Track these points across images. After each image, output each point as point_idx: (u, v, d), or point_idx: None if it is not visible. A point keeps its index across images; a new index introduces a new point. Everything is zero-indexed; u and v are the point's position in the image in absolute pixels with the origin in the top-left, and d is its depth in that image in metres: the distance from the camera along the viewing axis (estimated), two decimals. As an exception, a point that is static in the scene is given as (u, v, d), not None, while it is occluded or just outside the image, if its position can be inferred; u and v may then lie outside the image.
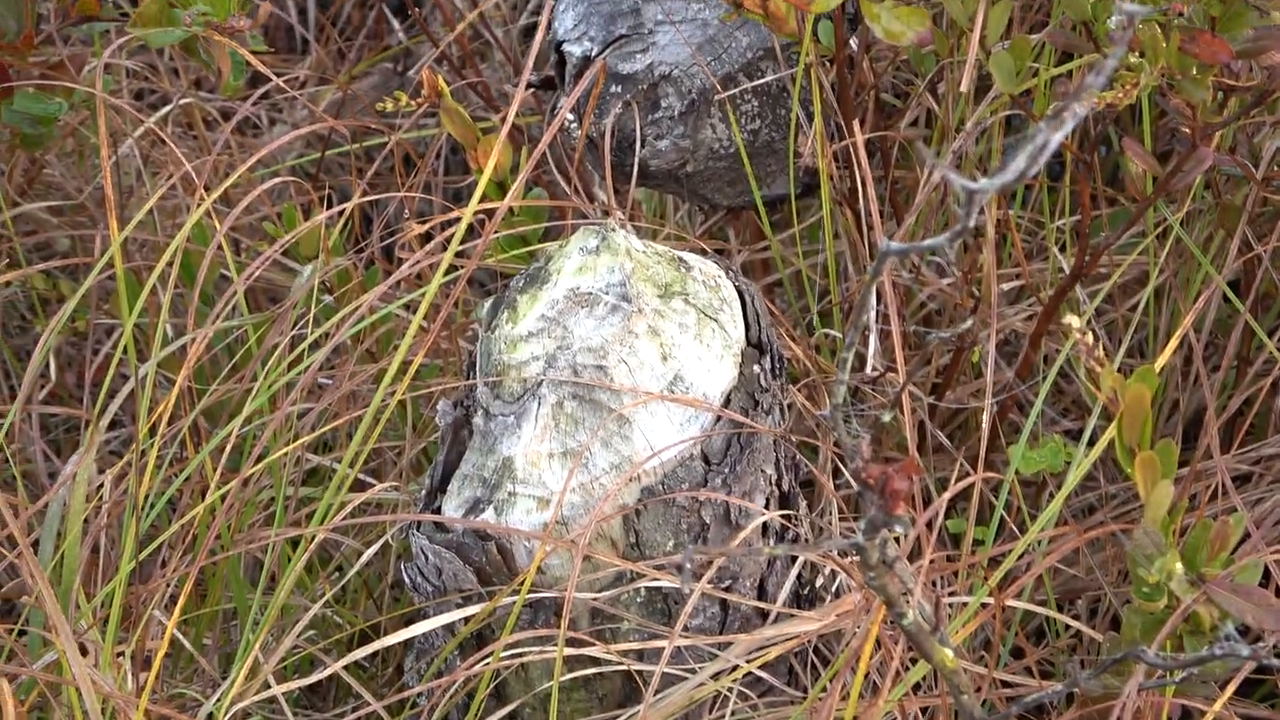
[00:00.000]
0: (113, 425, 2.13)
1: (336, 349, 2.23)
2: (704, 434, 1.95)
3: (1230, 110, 2.10)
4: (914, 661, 1.92)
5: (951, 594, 2.06)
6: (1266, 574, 2.05)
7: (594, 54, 2.45)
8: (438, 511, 1.98)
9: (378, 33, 2.90)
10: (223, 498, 2.07)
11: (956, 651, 1.90)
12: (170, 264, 2.15)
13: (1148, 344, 2.33)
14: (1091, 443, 1.99)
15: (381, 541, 2.13)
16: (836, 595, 2.00)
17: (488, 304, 2.05)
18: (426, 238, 2.28)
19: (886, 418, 2.06)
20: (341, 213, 2.38)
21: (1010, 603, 2.07)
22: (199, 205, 2.21)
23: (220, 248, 2.23)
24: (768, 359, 2.04)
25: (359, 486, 2.14)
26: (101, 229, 2.32)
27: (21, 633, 2.00)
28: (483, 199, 2.13)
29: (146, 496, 2.08)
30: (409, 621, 2.03)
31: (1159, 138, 2.24)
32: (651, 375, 1.95)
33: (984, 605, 2.04)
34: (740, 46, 2.44)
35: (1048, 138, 1.91)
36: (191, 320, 2.18)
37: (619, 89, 2.43)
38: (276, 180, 2.39)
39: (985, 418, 2.23)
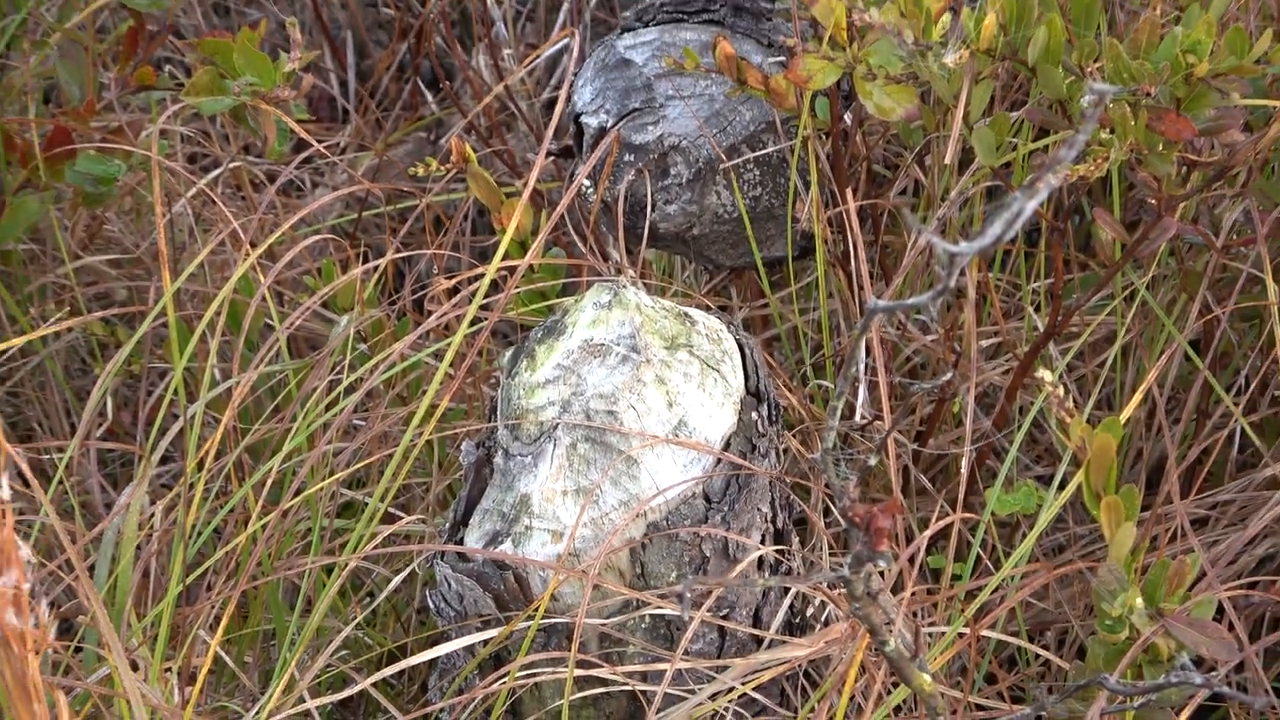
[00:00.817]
0: (164, 460, 2.14)
1: (370, 393, 2.24)
2: (705, 475, 1.96)
3: (1193, 183, 2.11)
4: (895, 685, 1.93)
5: (930, 624, 2.07)
6: (1220, 609, 2.06)
7: (609, 125, 2.46)
8: (460, 543, 1.99)
9: (412, 104, 2.91)
10: (263, 528, 2.08)
11: (934, 677, 1.91)
12: (218, 313, 2.16)
13: (1115, 397, 2.34)
14: (1062, 487, 2.00)
15: (409, 570, 2.14)
16: (825, 624, 2.01)
17: (509, 353, 2.06)
18: (453, 291, 2.29)
19: (873, 462, 2.07)
20: (376, 268, 2.39)
21: (985, 633, 2.08)
22: (245, 260, 2.22)
23: (264, 299, 2.24)
24: (765, 407, 2.05)
25: (389, 519, 2.15)
26: (155, 281, 2.33)
27: (78, 649, 2.01)
28: (505, 257, 2.14)
29: (194, 526, 2.08)
30: (433, 643, 2.03)
31: (1127, 208, 2.25)
32: (658, 420, 1.96)
33: (960, 635, 2.04)
34: (744, 120, 2.45)
35: (1023, 206, 1.92)
36: (236, 365, 2.19)
37: (632, 158, 2.44)
38: (317, 238, 2.41)
39: (964, 463, 2.23)
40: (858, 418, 2.19)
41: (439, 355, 2.16)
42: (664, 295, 2.12)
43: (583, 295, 2.08)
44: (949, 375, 2.27)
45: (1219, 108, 1.98)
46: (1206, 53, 1.92)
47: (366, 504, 2.12)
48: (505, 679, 1.95)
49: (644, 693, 1.97)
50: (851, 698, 1.93)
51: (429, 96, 2.91)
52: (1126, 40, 1.96)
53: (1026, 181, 2.00)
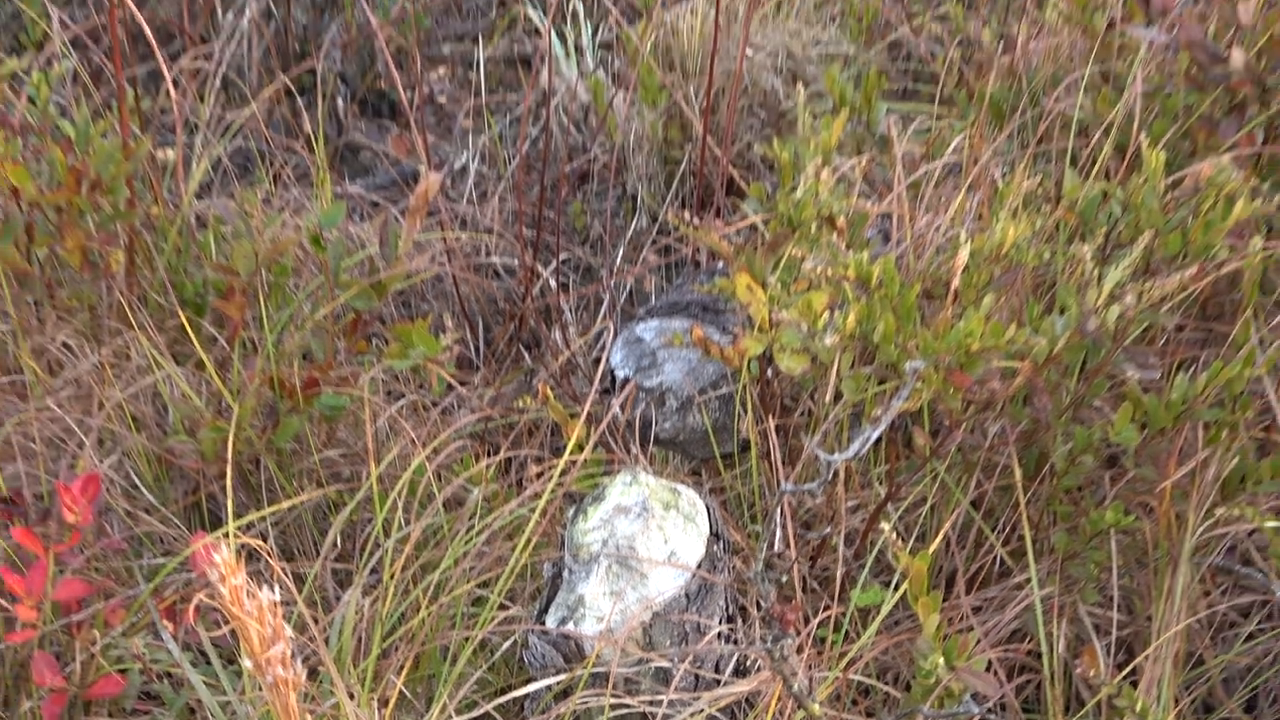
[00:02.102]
0: (371, 572, 2.16)
1: (492, 533, 2.26)
2: (687, 583, 1.98)
3: (970, 411, 2.14)
4: (798, 710, 1.94)
5: (818, 672, 2.08)
6: (989, 664, 2.08)
7: (630, 376, 2.49)
8: (543, 623, 2.01)
9: (517, 359, 2.95)
10: (430, 613, 2.11)
11: (821, 704, 1.93)
12: (404, 487, 2.20)
13: (927, 535, 2.36)
14: (896, 589, 2.02)
15: (514, 639, 2.16)
16: (758, 671, 2.02)
17: (571, 511, 2.08)
18: (540, 473, 2.32)
19: (783, 578, 2.11)
20: (496, 461, 2.42)
21: (851, 676, 2.10)
22: (420, 455, 2.26)
23: (431, 477, 2.28)
24: (721, 542, 2.07)
25: (503, 607, 2.16)
26: (366, 467, 2.36)
27: (319, 686, 2.02)
28: (571, 453, 2.18)
29: (388, 612, 2.11)
30: (527, 682, 2.05)
31: (933, 423, 2.28)
32: (659, 551, 1.98)
33: (836, 679, 2.06)
34: (709, 372, 2.47)
35: (872, 431, 1.97)
36: (414, 515, 2.22)
37: (643, 395, 2.47)
38: (460, 441, 2.44)
39: (839, 574, 2.26)
40: (776, 549, 2.21)
41: (533, 510, 2.18)
42: (663, 476, 2.15)
43: (615, 478, 2.11)
44: (828, 529, 2.29)
45: (985, 369, 2.01)
46: (977, 337, 1.95)
47: (489, 597, 2.14)
48: (571, 704, 1.97)
49: (652, 713, 1.98)
50: (773, 717, 1.95)
51: (527, 355, 2.94)
52: (931, 329, 1.99)
53: (875, 414, 2.05)
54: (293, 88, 3.44)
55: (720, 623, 2.05)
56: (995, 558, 2.33)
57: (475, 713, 1.98)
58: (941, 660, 1.90)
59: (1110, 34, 2.66)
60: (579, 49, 3.49)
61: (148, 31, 2.60)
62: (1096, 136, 2.52)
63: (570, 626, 1.99)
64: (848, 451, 1.97)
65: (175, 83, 2.95)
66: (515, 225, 3.17)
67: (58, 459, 2.39)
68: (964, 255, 2.06)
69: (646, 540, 2.00)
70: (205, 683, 2.00)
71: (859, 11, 3.43)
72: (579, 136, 3.42)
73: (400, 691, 2.02)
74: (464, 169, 3.42)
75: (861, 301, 2.04)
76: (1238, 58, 2.45)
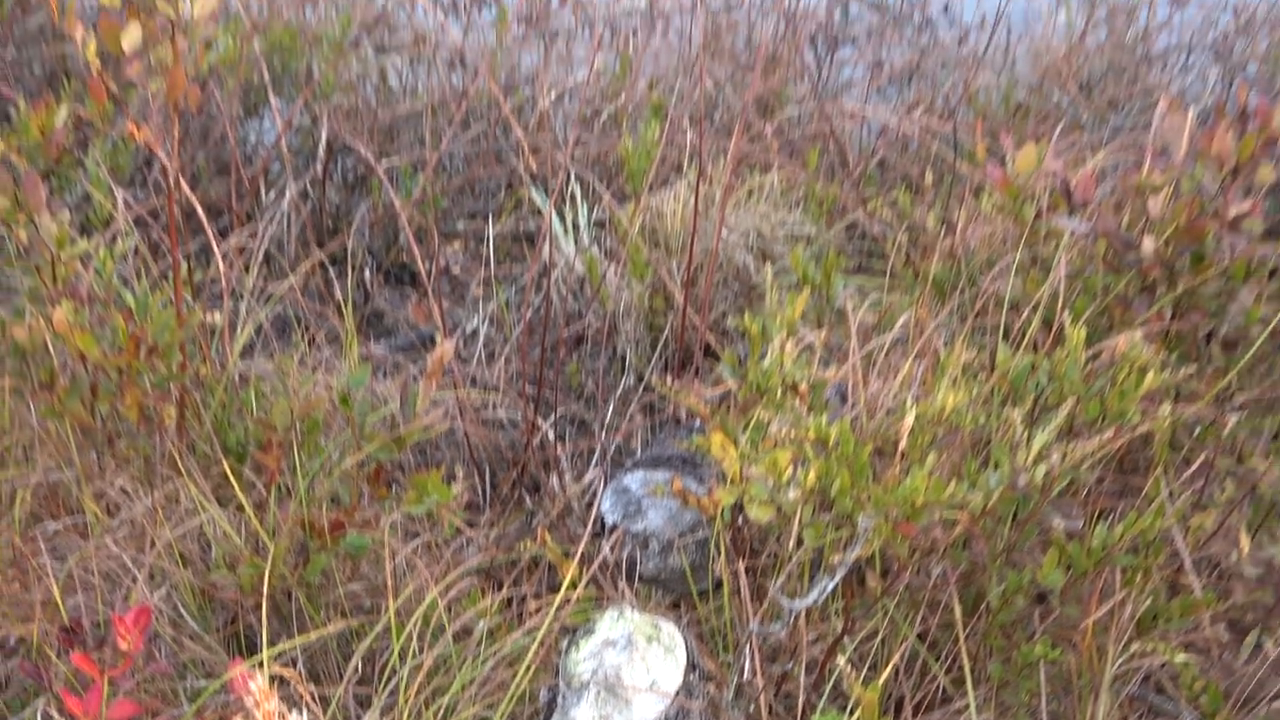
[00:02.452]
0: (389, 695, 2.16)
1: (497, 661, 2.27)
2: (667, 708, 2.00)
3: (917, 555, 2.16)
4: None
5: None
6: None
7: (619, 522, 2.52)
8: (540, 743, 2.03)
9: (519, 503, 2.95)
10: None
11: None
12: (419, 619, 2.22)
13: (879, 665, 2.36)
14: (852, 713, 2.02)
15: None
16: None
17: (565, 642, 2.10)
18: (539, 609, 2.33)
19: (751, 706, 2.12)
20: (500, 596, 2.43)
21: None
22: (433, 590, 2.28)
23: (443, 610, 2.29)
24: (697, 671, 2.09)
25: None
26: (384, 600, 2.37)
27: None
28: (566, 589, 2.20)
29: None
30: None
31: (885, 563, 2.29)
32: (643, 679, 2.00)
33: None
34: (688, 519, 2.50)
35: (829, 581, 1.99)
36: (427, 644, 2.22)
37: (630, 538, 2.49)
38: (468, 578, 2.45)
39: (801, 701, 2.27)
40: (746, 677, 2.22)
41: (532, 640, 2.20)
42: (646, 609, 2.16)
43: (604, 613, 2.13)
44: (790, 663, 2.31)
45: (929, 519, 2.03)
46: (922, 492, 1.98)
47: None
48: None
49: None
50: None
51: (528, 499, 2.95)
52: (881, 484, 2.02)
53: (833, 560, 2.07)
54: (326, 261, 3.50)
55: (697, 742, 2.07)
56: (938, 686, 2.33)
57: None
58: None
59: (1038, 223, 2.67)
60: (576, 227, 3.54)
61: (200, 211, 2.66)
62: (1026, 313, 2.55)
63: (564, 746, 2.00)
64: (807, 599, 2.00)
65: (224, 256, 3.01)
66: (519, 383, 3.21)
67: (114, 591, 2.40)
68: (910, 419, 2.10)
69: (631, 670, 2.02)
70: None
71: (820, 197, 3.49)
72: (575, 304, 3.46)
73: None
74: (475, 332, 3.46)
75: (821, 460, 2.06)
76: (1148, 245, 2.49)
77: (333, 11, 4.04)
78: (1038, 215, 2.69)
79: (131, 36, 2.33)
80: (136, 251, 3.13)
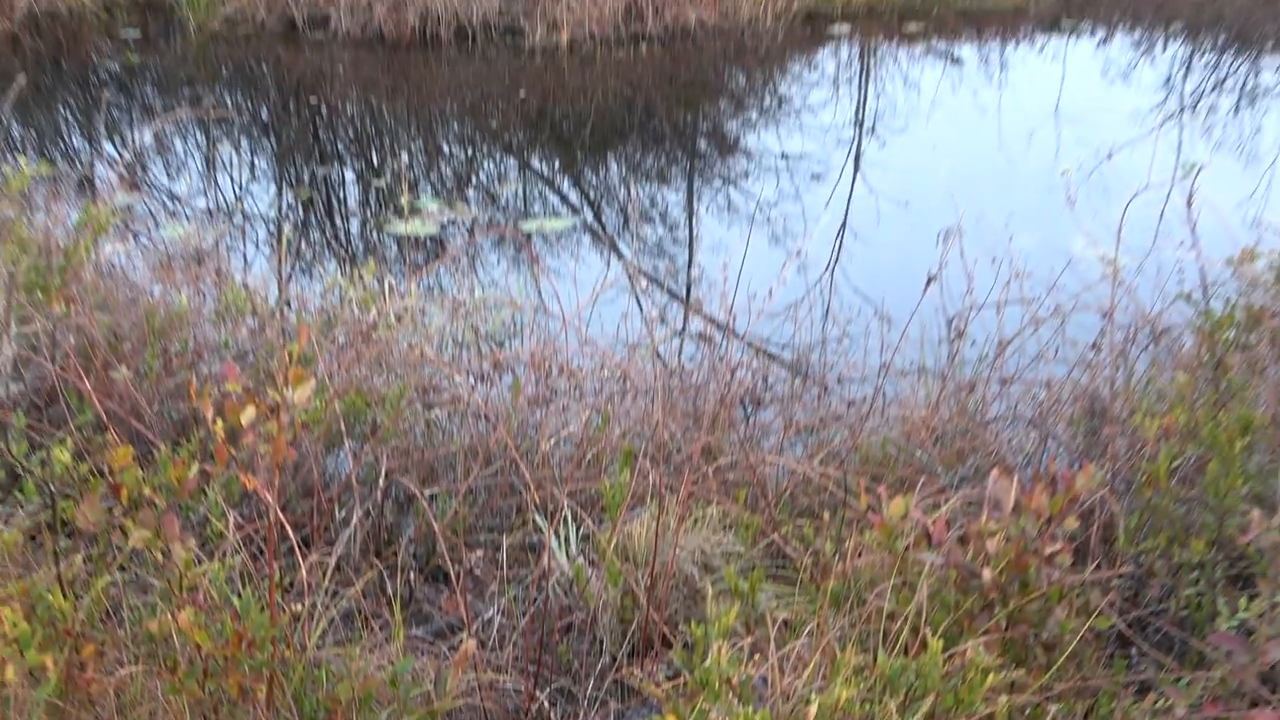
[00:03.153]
0: None
1: None
2: None
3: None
4: None
5: None
6: None
7: None
8: None
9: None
10: None
11: None
12: None
13: None
14: None
15: None
16: None
17: None
18: None
19: None
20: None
21: None
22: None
23: None
24: None
25: None
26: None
27: None
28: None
29: None
30: None
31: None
32: None
33: None
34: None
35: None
36: None
37: None
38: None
39: None
40: None
41: None
42: None
43: None
44: None
45: None
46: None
47: None
48: None
49: None
50: None
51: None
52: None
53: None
54: (381, 566, 3.55)
55: None
56: None
57: None
58: None
59: (907, 554, 2.75)
60: (568, 542, 3.61)
61: (289, 530, 2.72)
62: (899, 623, 2.60)
63: None
64: None
65: (309, 569, 3.06)
66: (522, 661, 3.22)
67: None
68: (814, 709, 2.15)
69: None
70: None
71: (747, 524, 3.57)
72: (567, 600, 3.49)
73: None
74: (490, 619, 3.48)
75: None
76: (987, 574, 2.57)
77: (392, 378, 4.20)
78: (906, 549, 2.75)
79: (248, 415, 2.45)
80: (240, 559, 3.16)
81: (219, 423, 2.47)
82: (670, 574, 3.26)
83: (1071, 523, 2.63)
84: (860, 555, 2.98)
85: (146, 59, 6.82)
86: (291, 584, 3.28)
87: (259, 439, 2.53)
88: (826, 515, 3.39)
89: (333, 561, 3.20)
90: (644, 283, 5.58)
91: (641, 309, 5.39)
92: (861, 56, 7.90)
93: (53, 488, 2.84)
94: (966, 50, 8.00)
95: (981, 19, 8.41)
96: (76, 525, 2.60)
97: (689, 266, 5.94)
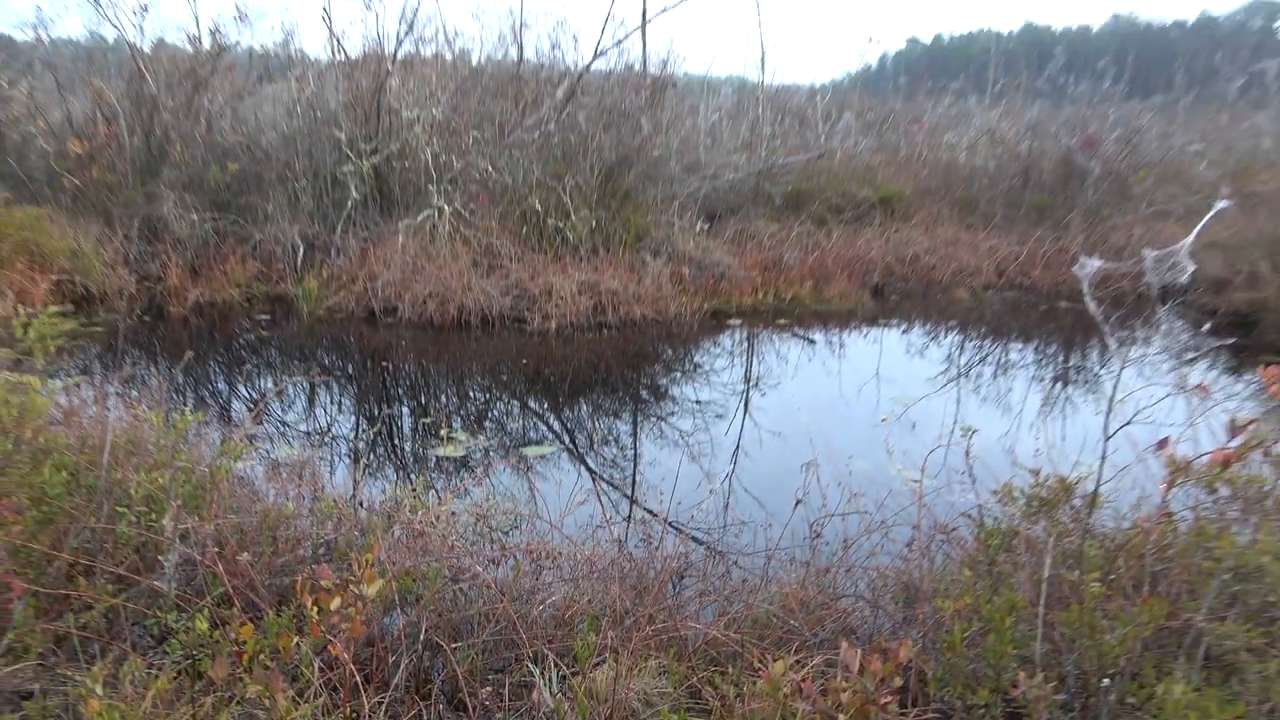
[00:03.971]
0: None
1: None
2: None
3: None
4: None
5: None
6: None
7: None
8: None
9: None
10: None
11: None
12: None
13: None
14: None
15: None
16: None
17: None
18: None
19: None
20: None
21: None
22: None
23: None
24: None
25: None
26: None
27: None
28: None
29: None
30: None
31: None
32: None
33: None
34: None
35: None
36: None
37: None
38: None
39: None
40: None
41: None
42: None
43: None
44: None
45: None
46: None
47: None
48: None
49: None
50: None
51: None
52: None
53: None
54: (420, 702, 3.47)
55: None
56: None
57: None
58: None
59: (786, 701, 2.76)
60: (552, 682, 3.56)
61: (354, 671, 2.68)
62: None
63: None
64: None
65: (370, 710, 2.99)
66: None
67: None
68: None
69: None
70: None
71: (675, 671, 3.54)
72: (549, 728, 3.42)
73: None
74: (494, 743, 3.39)
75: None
76: (842, 718, 2.62)
77: (431, 560, 4.20)
78: (786, 696, 2.77)
79: (335, 603, 2.51)
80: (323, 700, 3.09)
81: (314, 611, 2.53)
82: (624, 709, 3.24)
83: (898, 680, 2.71)
84: (756, 702, 2.99)
85: (273, 334, 7.12)
86: (358, 716, 3.21)
87: (341, 618, 2.59)
88: (730, 667, 3.41)
89: (387, 697, 3.14)
90: (604, 486, 5.71)
91: (603, 506, 5.47)
92: (748, 338, 8.46)
93: (194, 653, 2.82)
94: (818, 335, 8.59)
95: (827, 316, 9.14)
96: (208, 676, 2.59)
97: (634, 475, 6.12)
